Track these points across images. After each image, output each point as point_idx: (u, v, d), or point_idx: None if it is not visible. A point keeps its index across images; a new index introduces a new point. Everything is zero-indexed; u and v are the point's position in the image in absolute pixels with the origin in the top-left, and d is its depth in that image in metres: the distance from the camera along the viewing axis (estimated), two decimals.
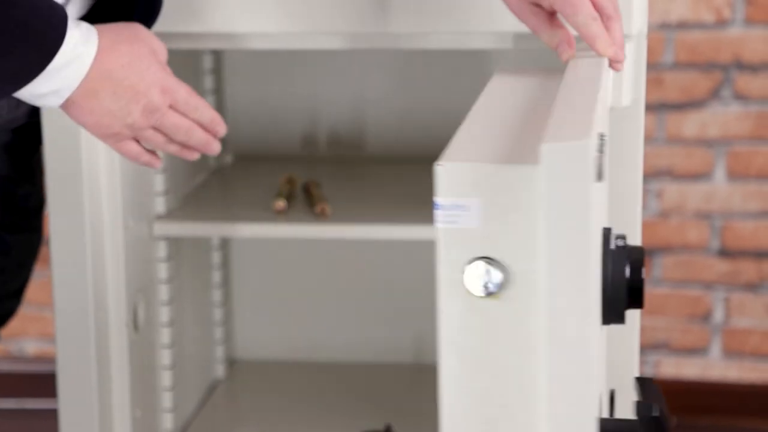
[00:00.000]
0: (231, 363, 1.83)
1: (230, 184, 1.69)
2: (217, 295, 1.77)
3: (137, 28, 1.07)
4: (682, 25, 1.82)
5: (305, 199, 1.57)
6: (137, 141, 1.09)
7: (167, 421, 1.56)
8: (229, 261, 1.82)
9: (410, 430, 1.62)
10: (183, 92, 1.07)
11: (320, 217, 1.49)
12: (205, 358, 1.75)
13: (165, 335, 1.54)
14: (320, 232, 1.49)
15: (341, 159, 1.78)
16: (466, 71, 1.75)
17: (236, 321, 1.83)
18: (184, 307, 1.62)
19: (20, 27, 0.97)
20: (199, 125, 1.09)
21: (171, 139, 1.09)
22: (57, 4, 1.00)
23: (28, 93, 1.01)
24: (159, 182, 1.51)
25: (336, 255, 1.80)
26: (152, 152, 1.11)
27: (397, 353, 1.81)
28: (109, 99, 1.03)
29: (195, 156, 1.12)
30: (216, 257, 1.76)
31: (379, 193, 1.62)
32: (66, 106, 1.04)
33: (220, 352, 1.78)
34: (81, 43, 1.01)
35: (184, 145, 1.10)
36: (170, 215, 1.52)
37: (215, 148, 1.11)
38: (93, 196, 1.34)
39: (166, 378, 1.54)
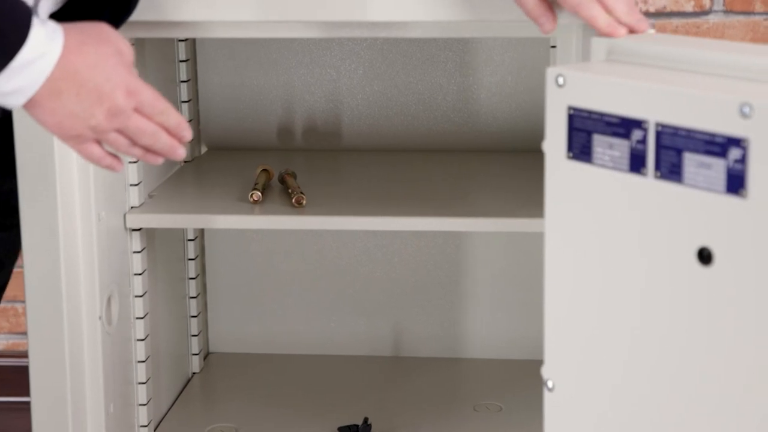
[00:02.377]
0: (206, 356, 1.78)
1: (205, 175, 1.64)
2: (192, 287, 1.71)
3: (104, 28, 1.02)
4: (662, 14, 1.80)
5: (281, 190, 1.52)
6: (99, 144, 1.04)
7: (141, 415, 1.49)
8: (205, 253, 1.77)
9: (388, 423, 1.56)
10: (148, 95, 1.02)
11: (296, 207, 1.44)
12: (180, 352, 1.69)
13: (139, 328, 1.48)
14: (296, 222, 1.44)
15: (317, 149, 1.73)
16: (442, 61, 1.70)
17: (211, 313, 1.78)
18: (158, 299, 1.56)
19: None
20: (164, 129, 1.04)
21: (134, 143, 1.04)
22: (21, 2, 0.96)
23: None
24: (132, 173, 1.46)
25: (312, 246, 1.75)
26: (114, 156, 1.05)
27: (375, 346, 1.76)
28: (73, 100, 0.99)
29: (159, 161, 1.06)
30: (191, 249, 1.71)
31: (355, 183, 1.57)
32: (29, 106, 0.99)
33: (195, 345, 1.73)
34: (46, 42, 0.97)
35: (148, 149, 1.04)
36: (144, 207, 1.47)
37: (180, 153, 1.05)
38: (65, 188, 1.29)
39: (140, 371, 1.49)
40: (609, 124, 0.95)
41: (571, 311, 1.02)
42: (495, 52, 1.69)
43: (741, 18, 1.79)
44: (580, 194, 0.99)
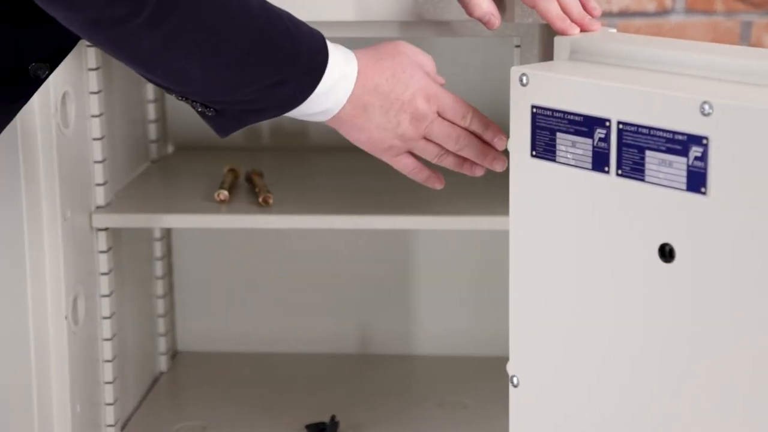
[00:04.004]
0: (174, 355, 1.76)
1: (172, 175, 1.62)
2: (159, 286, 1.70)
3: (399, 43, 1.06)
4: (625, 14, 1.80)
5: (248, 189, 1.51)
6: (414, 156, 1.07)
7: (108, 414, 1.48)
8: (172, 252, 1.75)
9: (355, 420, 1.55)
10: (449, 99, 1.04)
11: (263, 206, 1.43)
12: (148, 351, 1.67)
13: (106, 328, 1.46)
14: (263, 221, 1.44)
15: (284, 148, 1.72)
16: None
17: (179, 312, 1.76)
18: (125, 299, 1.54)
19: (292, 56, 0.96)
20: (474, 135, 1.06)
21: (444, 151, 1.06)
22: (314, 29, 0.99)
23: (298, 113, 1.01)
24: (98, 173, 1.44)
25: (279, 245, 1.73)
26: (434, 171, 1.08)
27: (342, 343, 1.75)
28: (378, 113, 1.02)
29: (479, 171, 1.08)
30: (158, 248, 1.69)
31: (322, 182, 1.56)
32: (338, 125, 1.03)
33: (162, 344, 1.71)
34: (343, 64, 1.00)
35: (460, 157, 1.07)
36: (110, 206, 1.45)
37: (498, 164, 1.07)
38: (30, 188, 1.27)
39: (107, 371, 1.47)
40: (572, 122, 0.95)
41: (535, 308, 1.01)
42: (460, 51, 1.68)
43: (702, 18, 1.79)
44: (543, 192, 0.99)
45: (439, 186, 1.10)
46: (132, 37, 0.90)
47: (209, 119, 1.01)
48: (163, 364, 1.71)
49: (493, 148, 1.07)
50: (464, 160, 1.08)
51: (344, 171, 1.59)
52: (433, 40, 1.66)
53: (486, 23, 1.09)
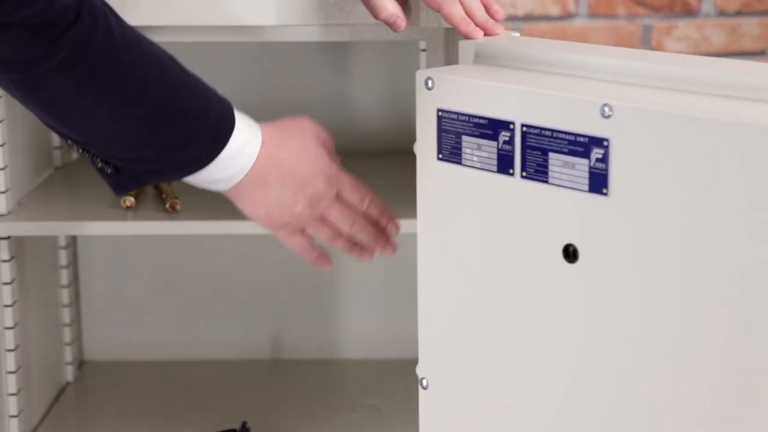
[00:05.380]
0: (80, 365, 1.73)
1: (76, 182, 1.59)
2: (64, 295, 1.67)
3: (303, 120, 1.07)
4: (530, 18, 1.83)
5: (155, 195, 1.49)
6: (307, 236, 1.07)
7: (12, 427, 1.45)
8: (77, 260, 1.72)
9: (267, 426, 1.54)
10: (348, 182, 1.06)
11: (170, 212, 1.42)
12: (53, 361, 1.64)
13: (9, 338, 1.43)
14: (170, 228, 1.42)
15: None
16: (316, 65, 1.69)
17: (85, 321, 1.74)
18: (29, 308, 1.52)
19: (200, 117, 0.97)
20: (369, 221, 1.07)
21: (338, 233, 1.06)
22: (224, 97, 1.00)
23: (200, 179, 1.00)
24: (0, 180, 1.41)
25: (188, 251, 1.72)
26: (323, 252, 1.08)
27: (254, 349, 1.74)
28: (278, 188, 1.01)
29: (368, 257, 1.09)
30: (63, 256, 1.66)
31: None
32: (237, 197, 1.02)
33: (68, 353, 1.68)
34: (248, 131, 1.00)
35: (353, 242, 1.06)
36: (12, 214, 1.42)
37: (388, 250, 1.08)
38: None
39: (10, 382, 1.44)
40: (477, 125, 0.96)
41: (443, 309, 1.02)
42: (366, 55, 1.68)
43: (604, 22, 1.83)
44: (450, 195, 1.00)
45: (327, 267, 1.10)
46: (42, 81, 0.89)
47: (107, 177, 1.00)
48: (69, 374, 1.68)
49: (385, 234, 1.09)
50: (354, 244, 1.08)
51: None
52: (338, 43, 1.67)
53: (391, 26, 1.10)
